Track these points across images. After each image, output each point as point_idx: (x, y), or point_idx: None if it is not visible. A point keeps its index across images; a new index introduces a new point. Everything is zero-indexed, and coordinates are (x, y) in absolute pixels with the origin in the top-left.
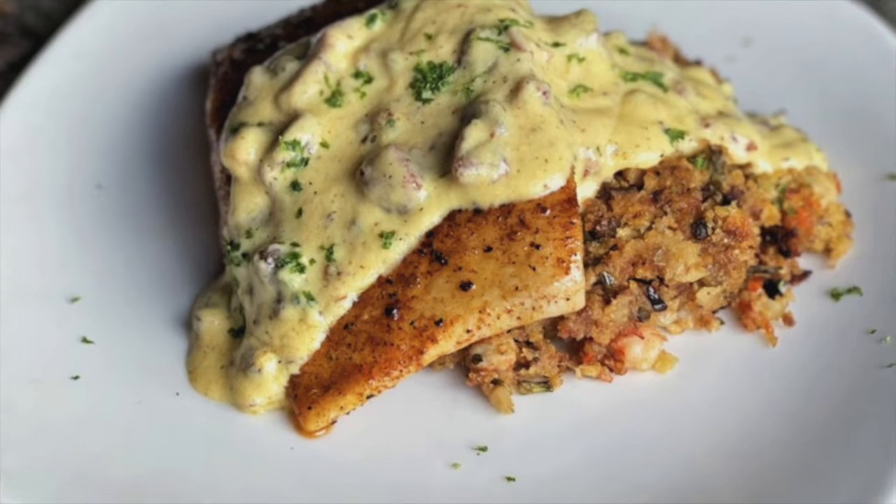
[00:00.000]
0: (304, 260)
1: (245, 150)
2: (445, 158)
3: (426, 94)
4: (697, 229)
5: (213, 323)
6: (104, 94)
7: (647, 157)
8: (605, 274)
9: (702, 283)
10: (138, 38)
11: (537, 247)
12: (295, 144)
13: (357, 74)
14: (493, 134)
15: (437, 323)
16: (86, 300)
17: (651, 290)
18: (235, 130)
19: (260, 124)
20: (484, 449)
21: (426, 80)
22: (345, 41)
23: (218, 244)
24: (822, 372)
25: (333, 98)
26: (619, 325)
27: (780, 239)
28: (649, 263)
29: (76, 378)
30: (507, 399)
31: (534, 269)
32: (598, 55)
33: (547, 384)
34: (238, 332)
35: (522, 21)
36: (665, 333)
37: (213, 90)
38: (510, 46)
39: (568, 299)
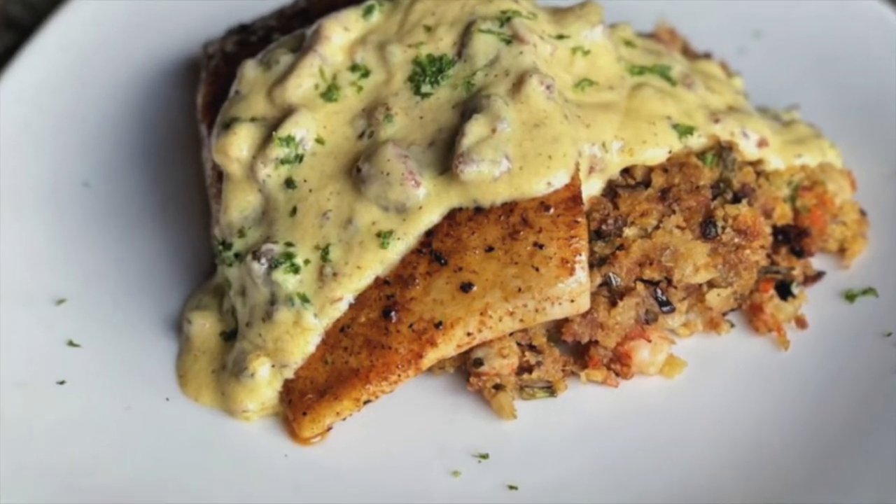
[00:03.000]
0: (299, 260)
1: (237, 146)
2: (445, 155)
3: (425, 89)
4: (707, 228)
5: (205, 325)
6: (91, 89)
7: (654, 153)
8: (610, 275)
9: (711, 284)
10: (127, 29)
11: (541, 246)
12: (289, 140)
13: (354, 68)
14: (495, 129)
15: (437, 325)
16: (72, 302)
17: (659, 292)
18: (227, 126)
19: (253, 119)
20: (485, 456)
21: (425, 73)
22: (341, 33)
23: (209, 244)
24: (836, 376)
25: (329, 92)
26: (625, 328)
27: (792, 238)
28: (657, 264)
29: (62, 383)
30: (510, 404)
31: (537, 269)
32: (604, 48)
33: (550, 389)
34: (230, 335)
35: (525, 12)
36: (673, 336)
37: (205, 84)
38: (512, 39)
39: (572, 301)
